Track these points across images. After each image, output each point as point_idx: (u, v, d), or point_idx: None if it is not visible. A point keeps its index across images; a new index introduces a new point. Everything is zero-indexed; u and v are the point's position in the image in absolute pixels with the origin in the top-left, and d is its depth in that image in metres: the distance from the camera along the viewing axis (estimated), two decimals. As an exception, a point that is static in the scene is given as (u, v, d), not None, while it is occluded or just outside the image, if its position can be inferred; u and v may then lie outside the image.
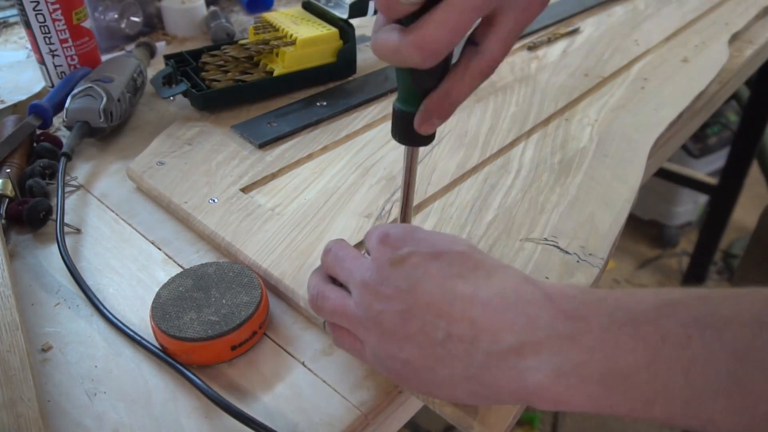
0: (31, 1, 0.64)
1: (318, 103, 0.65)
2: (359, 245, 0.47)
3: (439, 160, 0.56)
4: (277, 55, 0.68)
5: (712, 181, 1.50)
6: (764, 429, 0.26)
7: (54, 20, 0.66)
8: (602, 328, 0.28)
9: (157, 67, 0.75)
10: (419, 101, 0.37)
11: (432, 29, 0.31)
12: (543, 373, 0.29)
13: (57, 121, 0.64)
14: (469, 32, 0.33)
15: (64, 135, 0.62)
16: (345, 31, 0.69)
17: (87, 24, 0.69)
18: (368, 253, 0.37)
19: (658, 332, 0.27)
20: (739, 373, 0.26)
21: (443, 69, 0.35)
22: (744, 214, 1.89)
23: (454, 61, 0.36)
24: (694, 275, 1.59)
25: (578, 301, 0.30)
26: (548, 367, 0.29)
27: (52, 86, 0.70)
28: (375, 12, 0.72)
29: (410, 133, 0.38)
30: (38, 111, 0.60)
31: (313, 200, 0.52)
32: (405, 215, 0.44)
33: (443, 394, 0.33)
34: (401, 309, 0.33)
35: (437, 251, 0.34)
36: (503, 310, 0.31)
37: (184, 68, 0.67)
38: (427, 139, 0.39)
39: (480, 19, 0.34)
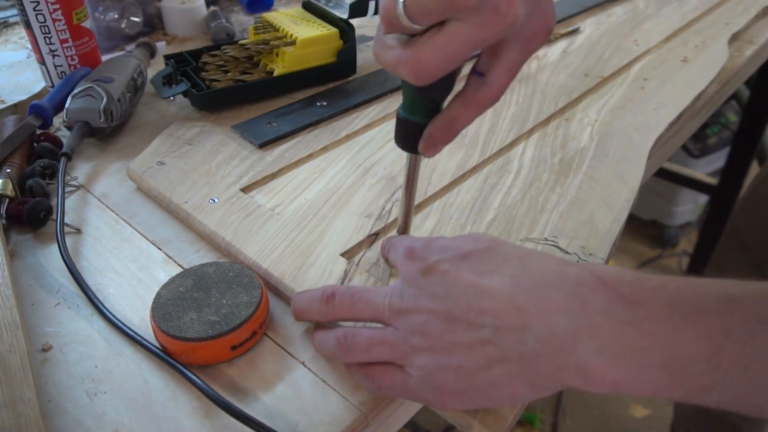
0: (32, 1, 0.64)
1: (318, 103, 0.65)
2: (357, 246, 0.47)
3: (439, 160, 0.56)
4: (277, 55, 0.68)
5: (712, 181, 1.50)
6: None
7: (54, 20, 0.66)
8: (664, 316, 0.28)
9: (157, 67, 0.75)
10: (423, 111, 0.37)
11: (429, 53, 0.31)
12: (604, 357, 0.28)
13: (57, 121, 0.64)
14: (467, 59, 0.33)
15: (64, 135, 0.62)
16: (345, 31, 0.69)
17: (87, 24, 0.69)
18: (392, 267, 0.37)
19: (722, 326, 0.28)
20: None
21: (449, 82, 0.35)
22: (744, 214, 1.89)
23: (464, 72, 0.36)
24: (695, 275, 1.58)
25: (635, 286, 0.30)
26: (610, 351, 0.28)
27: (52, 86, 0.70)
28: (375, 12, 0.72)
29: (414, 142, 0.38)
30: (38, 111, 0.60)
31: (314, 200, 0.52)
32: (405, 222, 0.44)
33: (504, 396, 0.32)
34: (443, 315, 0.32)
35: (464, 252, 0.34)
36: (552, 293, 0.30)
37: (184, 68, 0.67)
38: None
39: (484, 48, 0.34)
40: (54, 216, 0.51)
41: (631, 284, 0.30)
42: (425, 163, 0.56)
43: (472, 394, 0.32)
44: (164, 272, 0.46)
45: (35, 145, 0.59)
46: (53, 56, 0.68)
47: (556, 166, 0.56)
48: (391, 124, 0.63)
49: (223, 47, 0.69)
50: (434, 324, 0.32)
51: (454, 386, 0.32)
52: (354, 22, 0.70)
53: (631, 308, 0.29)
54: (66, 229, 0.49)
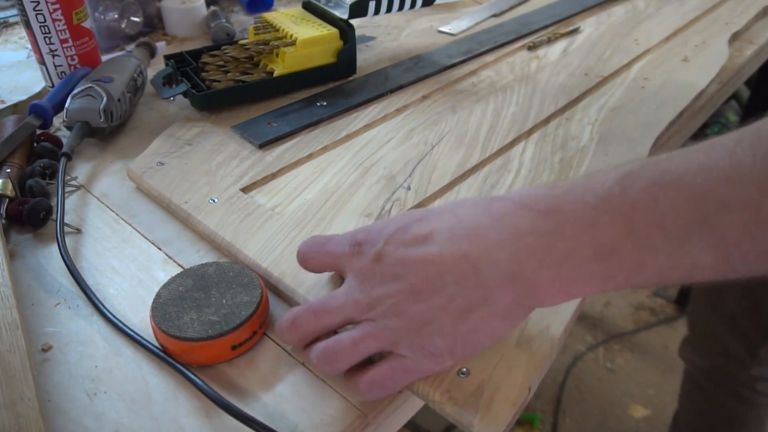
0: (32, 1, 0.64)
1: (318, 103, 0.65)
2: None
3: (439, 159, 0.56)
4: (277, 55, 0.68)
5: (713, 181, 1.50)
6: (738, 258, 0.29)
7: (54, 20, 0.66)
8: (579, 215, 0.31)
9: (157, 67, 0.75)
10: None
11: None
12: (546, 269, 0.31)
13: (57, 121, 0.64)
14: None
15: (64, 135, 0.62)
16: (345, 31, 0.69)
17: (87, 24, 0.69)
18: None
19: (627, 202, 0.30)
20: (703, 213, 0.29)
21: None
22: (744, 214, 1.89)
23: None
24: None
25: (548, 197, 0.33)
26: (548, 263, 0.31)
27: (52, 86, 0.70)
28: (375, 12, 0.72)
29: None
30: (38, 111, 0.60)
31: (313, 200, 0.52)
32: None
33: (486, 337, 0.35)
34: (409, 291, 0.34)
35: (403, 225, 0.36)
36: (486, 231, 0.33)
37: (184, 68, 0.67)
38: None
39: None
40: (54, 216, 0.51)
41: (545, 197, 0.33)
42: (425, 163, 0.56)
43: (460, 346, 0.35)
44: (164, 272, 0.46)
45: (35, 145, 0.59)
46: (53, 56, 0.68)
47: (557, 166, 0.56)
48: (391, 124, 0.63)
49: (223, 47, 0.69)
50: (404, 302, 0.34)
51: (444, 346, 0.34)
52: (354, 22, 0.70)
53: (550, 219, 0.32)
54: (66, 229, 0.49)
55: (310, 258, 0.41)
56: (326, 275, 0.43)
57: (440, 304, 0.34)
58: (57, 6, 0.65)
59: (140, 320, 0.43)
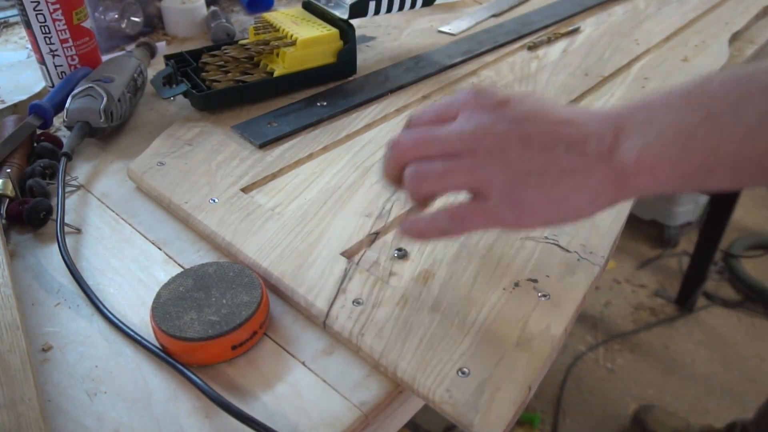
0: (32, 1, 0.64)
1: (318, 103, 0.65)
2: (357, 246, 0.47)
3: (439, 159, 0.56)
4: (277, 55, 0.68)
5: (713, 180, 1.50)
6: None
7: (54, 20, 0.66)
8: (666, 106, 0.34)
9: (157, 67, 0.75)
10: None
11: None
12: (637, 147, 0.34)
13: (57, 121, 0.64)
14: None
15: (64, 135, 0.62)
16: (345, 31, 0.69)
17: (87, 24, 0.69)
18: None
19: (705, 94, 0.33)
20: None
21: None
22: (744, 214, 1.89)
23: None
24: (695, 275, 1.59)
25: (638, 100, 0.36)
26: (638, 143, 0.34)
27: (53, 86, 0.70)
28: (375, 12, 0.72)
29: None
30: (38, 111, 0.60)
31: (313, 200, 0.52)
32: None
33: (572, 209, 0.36)
34: (520, 137, 0.36)
35: (525, 94, 0.38)
36: (597, 119, 0.36)
37: (185, 68, 0.67)
38: None
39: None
40: (54, 216, 0.51)
41: (635, 100, 0.36)
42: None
43: (544, 208, 0.36)
44: (164, 272, 0.46)
45: (35, 145, 0.59)
46: (53, 56, 0.68)
47: (557, 166, 0.56)
48: (391, 124, 0.63)
49: (223, 47, 0.69)
50: (512, 146, 0.36)
51: (531, 201, 0.36)
52: (354, 22, 0.70)
53: (643, 112, 0.35)
54: (66, 229, 0.49)
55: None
56: (326, 276, 0.43)
57: (545, 160, 0.35)
58: (57, 6, 0.65)
59: (140, 320, 0.43)
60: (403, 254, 0.46)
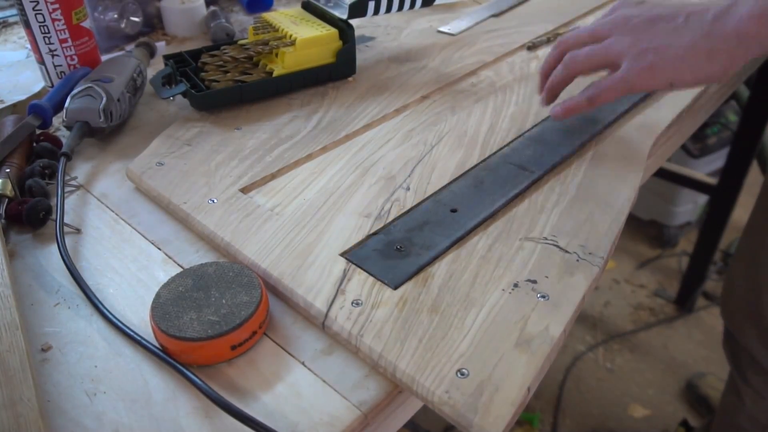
0: (31, 1, 0.64)
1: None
2: (356, 246, 0.47)
3: (438, 159, 0.56)
4: (276, 55, 0.68)
5: (712, 181, 1.50)
6: None
7: (54, 20, 0.66)
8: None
9: (156, 67, 0.75)
10: None
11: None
12: (747, 9, 0.44)
13: (57, 121, 0.64)
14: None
15: (63, 135, 0.62)
16: (344, 31, 0.69)
17: (87, 24, 0.69)
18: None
19: None
20: None
21: None
22: (744, 214, 1.88)
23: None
24: (694, 275, 1.59)
25: None
26: (748, 6, 0.44)
27: (52, 86, 0.70)
28: (375, 12, 0.72)
29: None
30: (38, 111, 0.60)
31: (313, 200, 0.52)
32: None
33: (689, 69, 0.47)
34: (649, 17, 0.50)
35: None
36: (717, 1, 0.47)
37: (184, 68, 0.67)
38: None
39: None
40: (53, 216, 0.51)
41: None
42: (425, 163, 0.56)
43: (665, 67, 0.48)
44: (164, 272, 0.46)
45: (35, 144, 0.59)
46: (53, 56, 0.68)
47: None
48: (390, 124, 0.63)
49: (222, 47, 0.69)
50: (641, 24, 0.49)
51: (653, 62, 0.48)
52: (354, 22, 0.70)
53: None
54: (66, 229, 0.49)
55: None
56: (326, 276, 0.43)
57: (667, 29, 0.48)
58: (56, 6, 0.65)
59: (140, 320, 0.43)
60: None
